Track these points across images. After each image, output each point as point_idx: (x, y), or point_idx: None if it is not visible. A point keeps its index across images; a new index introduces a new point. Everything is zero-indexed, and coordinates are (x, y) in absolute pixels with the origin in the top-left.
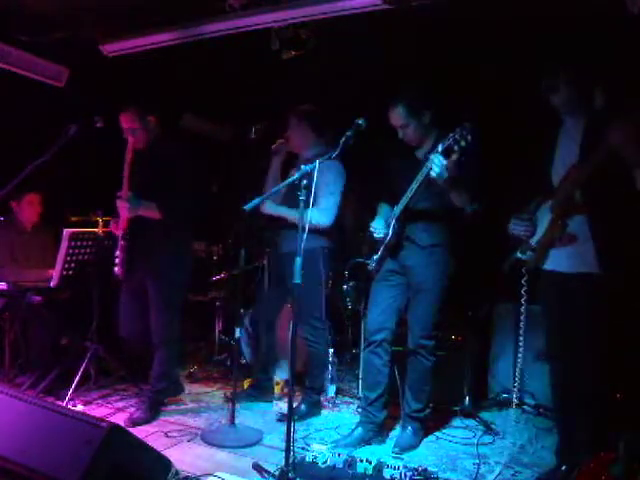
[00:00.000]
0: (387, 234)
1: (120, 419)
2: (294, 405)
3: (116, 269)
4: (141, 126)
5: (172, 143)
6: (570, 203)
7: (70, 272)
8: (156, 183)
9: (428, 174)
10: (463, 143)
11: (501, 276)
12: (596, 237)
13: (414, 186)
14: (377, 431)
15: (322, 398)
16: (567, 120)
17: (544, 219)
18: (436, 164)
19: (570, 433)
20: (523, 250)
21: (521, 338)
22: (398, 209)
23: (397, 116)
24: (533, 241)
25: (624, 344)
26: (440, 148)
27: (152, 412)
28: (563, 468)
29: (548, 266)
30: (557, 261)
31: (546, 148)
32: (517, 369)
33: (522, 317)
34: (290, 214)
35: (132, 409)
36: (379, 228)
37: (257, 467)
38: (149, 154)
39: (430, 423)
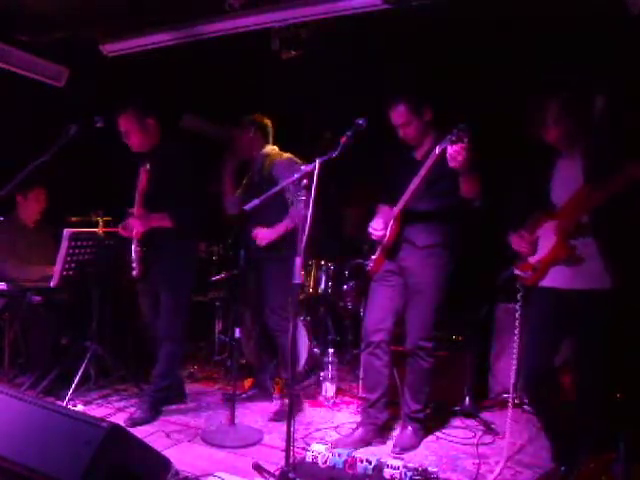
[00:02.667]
0: (384, 235)
1: (120, 419)
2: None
3: (134, 272)
4: (139, 128)
5: (173, 144)
6: (577, 225)
7: (70, 272)
8: (162, 187)
9: (426, 174)
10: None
11: (501, 276)
12: (605, 256)
13: (411, 187)
14: (378, 432)
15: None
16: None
17: (545, 239)
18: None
19: (570, 434)
20: (522, 268)
21: (516, 338)
22: (396, 210)
23: (399, 114)
24: (534, 260)
25: (624, 344)
26: (437, 150)
27: (152, 412)
28: (563, 468)
29: (545, 282)
30: (555, 278)
31: (544, 163)
32: (514, 372)
33: (517, 323)
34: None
35: (132, 409)
36: (378, 228)
37: (257, 467)
38: (153, 157)
39: (430, 423)
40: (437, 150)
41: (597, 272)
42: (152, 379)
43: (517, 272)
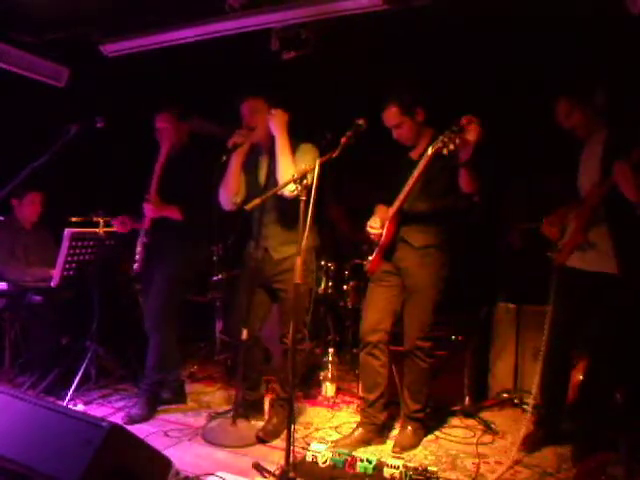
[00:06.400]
0: (381, 235)
1: (120, 419)
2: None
3: (135, 265)
4: (174, 129)
5: (194, 146)
6: (593, 215)
7: (71, 272)
8: (181, 185)
9: (421, 175)
10: (452, 146)
11: (502, 276)
12: (615, 244)
13: (406, 187)
14: (378, 432)
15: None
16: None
17: (571, 225)
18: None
19: (570, 433)
20: (552, 250)
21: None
22: (392, 210)
23: (391, 116)
24: (561, 243)
25: (624, 344)
26: (429, 152)
27: (149, 408)
28: (563, 468)
29: (571, 263)
30: (581, 260)
31: (572, 154)
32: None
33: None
34: None
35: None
36: (375, 226)
37: (257, 467)
38: (178, 158)
39: (430, 423)
40: (429, 151)
41: (608, 258)
42: (144, 373)
43: (549, 254)
